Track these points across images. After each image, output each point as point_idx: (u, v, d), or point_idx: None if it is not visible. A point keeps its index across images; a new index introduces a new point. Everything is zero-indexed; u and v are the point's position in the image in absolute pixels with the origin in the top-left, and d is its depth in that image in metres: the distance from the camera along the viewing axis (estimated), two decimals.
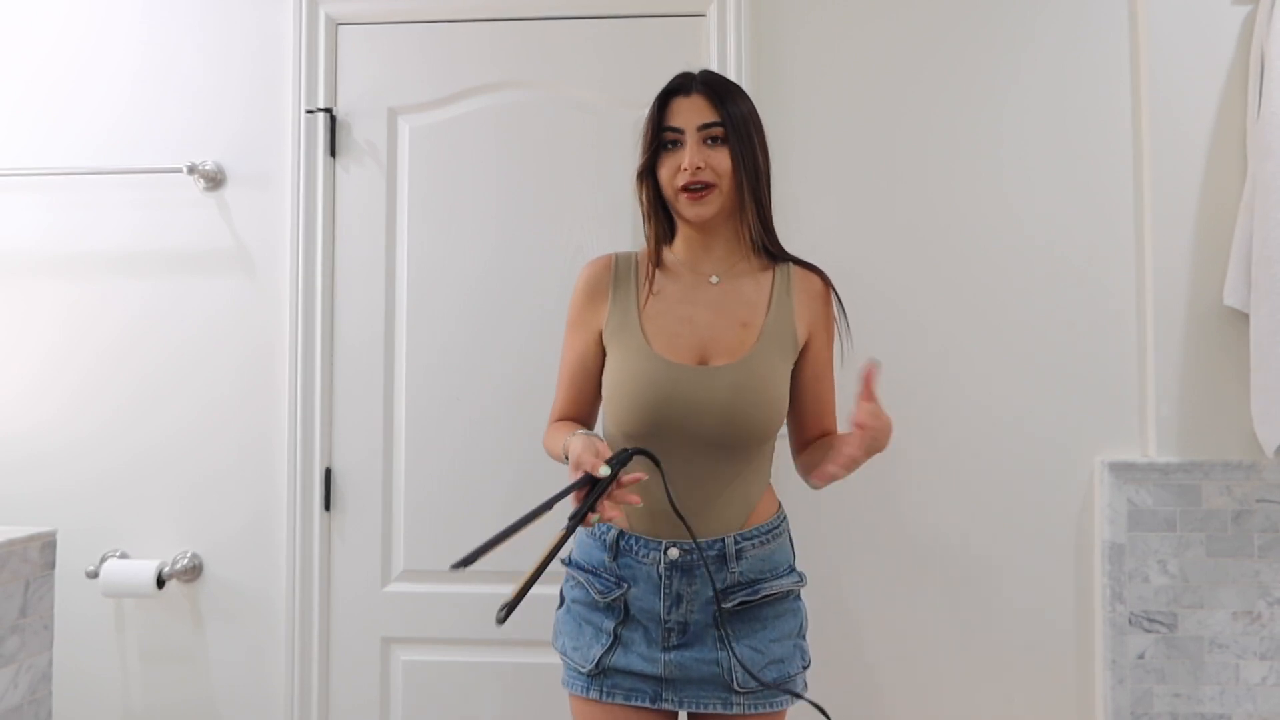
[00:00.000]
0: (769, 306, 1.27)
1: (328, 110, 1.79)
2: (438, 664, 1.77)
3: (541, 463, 1.69)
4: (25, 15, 1.85)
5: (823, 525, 1.72)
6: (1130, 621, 1.64)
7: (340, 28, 1.82)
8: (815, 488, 1.29)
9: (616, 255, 1.34)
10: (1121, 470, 1.64)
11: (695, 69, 1.30)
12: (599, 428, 1.36)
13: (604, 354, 1.30)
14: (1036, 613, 1.70)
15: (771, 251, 1.31)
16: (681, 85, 1.26)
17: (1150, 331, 1.67)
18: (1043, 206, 1.71)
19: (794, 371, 1.29)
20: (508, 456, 1.76)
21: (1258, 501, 1.63)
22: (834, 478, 1.15)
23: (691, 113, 1.23)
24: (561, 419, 1.35)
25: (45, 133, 1.84)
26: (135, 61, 1.84)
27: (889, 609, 1.72)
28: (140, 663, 1.81)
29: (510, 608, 0.97)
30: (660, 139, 1.25)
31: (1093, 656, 1.69)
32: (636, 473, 1.09)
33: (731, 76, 1.71)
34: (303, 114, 1.79)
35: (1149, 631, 1.64)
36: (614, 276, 1.31)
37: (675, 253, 1.31)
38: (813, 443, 1.34)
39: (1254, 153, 1.60)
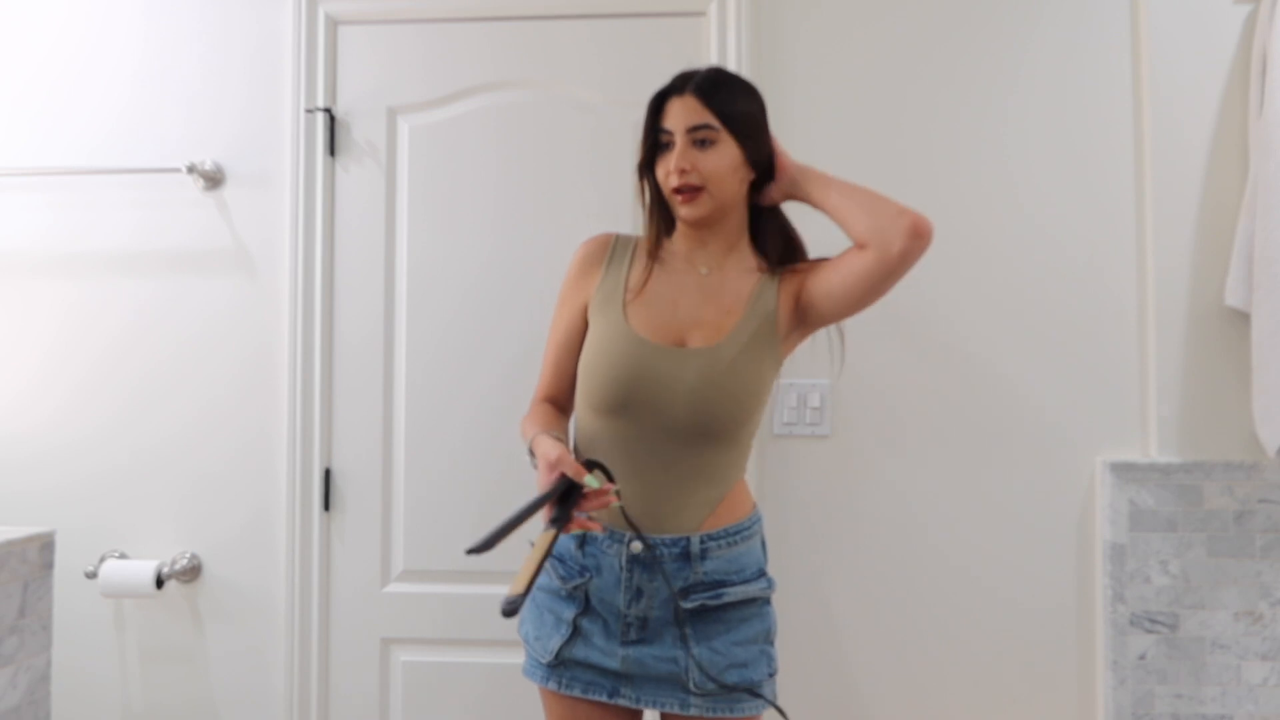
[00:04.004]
0: (752, 296, 1.27)
1: (327, 110, 1.79)
2: (437, 664, 1.77)
3: None
4: (25, 15, 1.85)
5: (818, 525, 1.72)
6: (1131, 622, 1.63)
7: (340, 27, 1.81)
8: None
9: (617, 234, 1.36)
10: (1122, 470, 1.64)
11: (701, 66, 1.28)
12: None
13: (586, 328, 1.30)
14: (1037, 613, 1.69)
15: (772, 253, 1.29)
16: (675, 86, 1.25)
17: (1151, 331, 1.67)
18: (1044, 206, 1.71)
19: (810, 308, 1.26)
20: (507, 456, 1.75)
21: (1259, 502, 1.63)
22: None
23: (681, 115, 1.22)
24: (545, 398, 1.34)
25: (45, 132, 1.84)
26: (135, 61, 1.84)
27: (888, 609, 1.71)
28: (140, 663, 1.81)
29: (517, 603, 0.99)
30: (656, 139, 1.26)
31: (1094, 657, 1.68)
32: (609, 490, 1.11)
33: None
34: (302, 113, 1.79)
35: (1150, 632, 1.63)
36: (610, 253, 1.32)
37: (673, 244, 1.32)
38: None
39: (1255, 152, 1.59)
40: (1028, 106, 1.72)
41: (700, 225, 1.27)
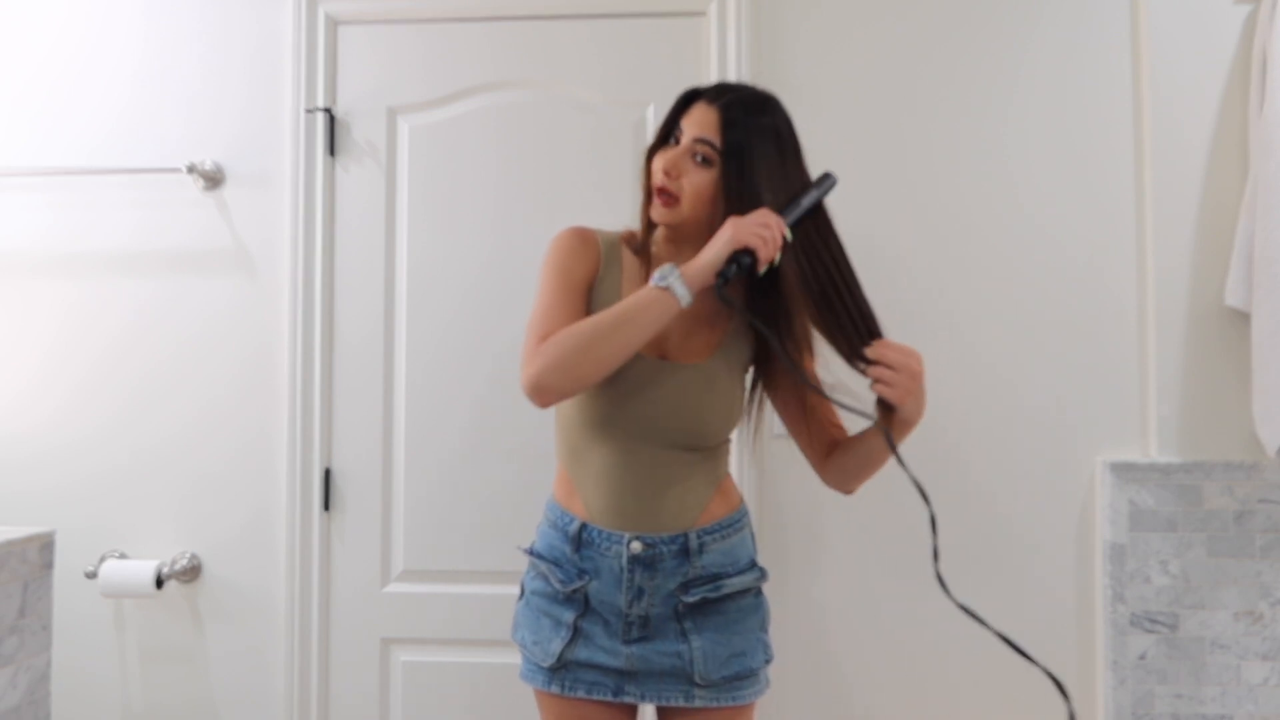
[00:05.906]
0: (733, 319, 1.26)
1: (327, 110, 1.79)
2: (437, 664, 1.77)
3: (542, 462, 1.69)
4: (25, 15, 1.85)
5: (818, 525, 1.72)
6: (1131, 622, 1.63)
7: (340, 27, 1.81)
8: (849, 491, 1.32)
9: (600, 232, 1.30)
10: (1122, 470, 1.64)
11: (758, 86, 1.24)
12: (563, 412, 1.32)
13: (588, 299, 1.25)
14: (1037, 613, 1.69)
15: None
16: (709, 92, 1.22)
17: (1151, 331, 1.67)
18: (1044, 206, 1.71)
19: (775, 387, 1.28)
20: (507, 456, 1.76)
21: (1259, 502, 1.62)
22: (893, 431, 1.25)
23: (698, 123, 1.19)
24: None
25: (45, 132, 1.84)
26: (135, 61, 1.84)
27: (888, 609, 1.71)
28: (140, 663, 1.81)
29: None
30: (669, 132, 1.23)
31: (1094, 657, 1.68)
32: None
33: (731, 76, 1.71)
34: (302, 113, 1.79)
35: (1150, 632, 1.63)
36: (602, 252, 1.27)
37: (656, 250, 1.29)
38: (831, 451, 1.31)
39: (1255, 152, 1.59)
40: (1028, 106, 1.72)
41: (675, 231, 1.24)
